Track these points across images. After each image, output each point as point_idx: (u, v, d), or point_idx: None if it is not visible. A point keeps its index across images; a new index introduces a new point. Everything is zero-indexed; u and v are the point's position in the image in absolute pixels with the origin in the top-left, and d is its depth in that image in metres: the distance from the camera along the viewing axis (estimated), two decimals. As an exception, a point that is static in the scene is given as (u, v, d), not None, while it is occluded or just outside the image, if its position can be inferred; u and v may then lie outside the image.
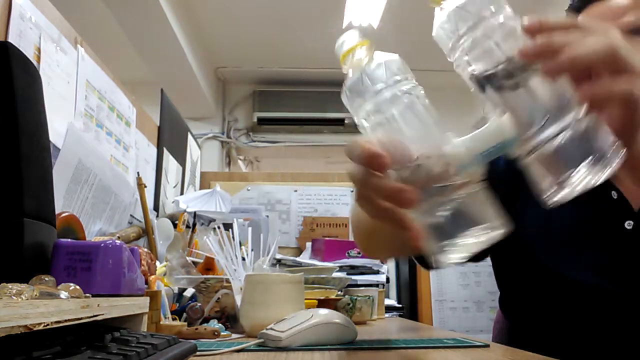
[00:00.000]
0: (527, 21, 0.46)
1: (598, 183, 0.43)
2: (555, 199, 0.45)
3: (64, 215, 0.75)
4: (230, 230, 1.07)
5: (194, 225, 1.41)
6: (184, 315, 0.88)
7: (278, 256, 1.61)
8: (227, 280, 0.98)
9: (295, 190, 2.39)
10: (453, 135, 0.48)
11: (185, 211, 1.46)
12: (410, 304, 2.50)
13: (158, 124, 1.69)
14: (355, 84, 0.50)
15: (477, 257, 0.90)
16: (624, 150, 0.44)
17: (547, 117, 0.44)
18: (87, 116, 1.13)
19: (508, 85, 0.45)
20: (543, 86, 0.45)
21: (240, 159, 4.13)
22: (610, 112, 0.45)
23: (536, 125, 0.44)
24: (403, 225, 0.47)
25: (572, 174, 0.43)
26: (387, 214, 0.47)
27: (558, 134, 0.43)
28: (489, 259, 0.95)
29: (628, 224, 0.74)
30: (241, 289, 0.88)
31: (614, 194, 0.77)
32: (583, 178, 0.43)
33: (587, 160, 0.43)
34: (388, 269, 1.98)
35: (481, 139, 0.47)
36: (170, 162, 1.79)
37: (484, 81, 0.47)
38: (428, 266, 0.88)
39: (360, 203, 0.49)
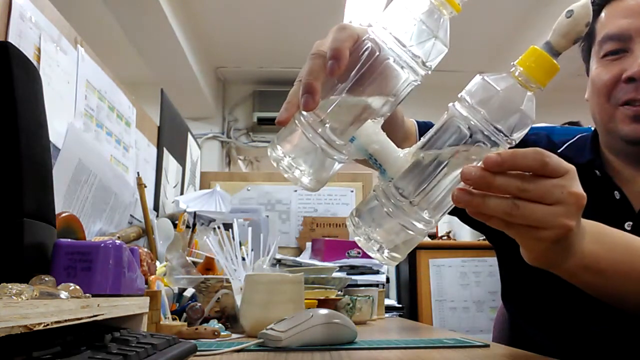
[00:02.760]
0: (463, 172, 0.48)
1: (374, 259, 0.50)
2: (353, 230, 0.51)
3: (64, 215, 0.75)
4: (230, 230, 1.07)
5: (194, 225, 1.40)
6: (184, 315, 0.88)
7: (278, 256, 1.61)
8: (227, 280, 0.98)
9: (295, 190, 2.39)
10: (374, 125, 0.51)
11: (185, 211, 1.46)
12: (410, 304, 2.50)
13: (158, 124, 1.69)
14: None
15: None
16: (394, 263, 0.51)
17: (413, 200, 0.48)
18: (87, 116, 1.13)
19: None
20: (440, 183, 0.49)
21: (240, 159, 4.13)
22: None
23: (398, 191, 0.49)
24: (290, 101, 0.49)
25: (371, 233, 0.50)
26: (296, 89, 0.49)
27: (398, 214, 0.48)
28: (492, 259, 0.95)
29: (628, 225, 0.74)
30: (241, 289, 0.88)
31: (617, 194, 0.77)
32: (372, 245, 0.50)
33: (379, 239, 0.50)
34: (388, 269, 1.98)
35: (381, 145, 0.51)
36: (170, 162, 1.79)
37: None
38: None
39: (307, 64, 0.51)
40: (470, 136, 0.47)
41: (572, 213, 0.48)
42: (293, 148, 0.50)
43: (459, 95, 0.49)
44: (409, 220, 0.48)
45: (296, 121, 0.49)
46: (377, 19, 0.50)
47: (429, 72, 0.50)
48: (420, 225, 0.49)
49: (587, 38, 0.84)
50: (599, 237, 0.57)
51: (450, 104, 0.49)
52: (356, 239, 0.51)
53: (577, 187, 0.49)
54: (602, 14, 0.80)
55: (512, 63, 0.49)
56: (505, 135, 0.47)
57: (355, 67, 0.49)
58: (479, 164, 0.47)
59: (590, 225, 0.56)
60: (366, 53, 0.49)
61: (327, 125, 0.48)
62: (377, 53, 0.48)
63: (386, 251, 0.49)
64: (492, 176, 0.46)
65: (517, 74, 0.48)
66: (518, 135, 0.48)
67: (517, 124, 0.47)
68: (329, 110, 0.48)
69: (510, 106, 0.47)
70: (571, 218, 0.48)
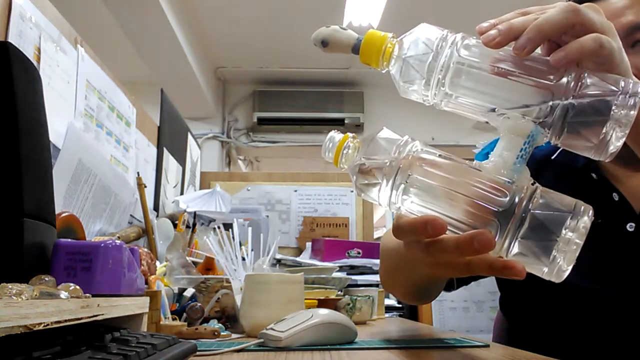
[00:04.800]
0: (480, 26, 0.46)
1: (635, 116, 0.42)
2: (608, 156, 0.44)
3: (64, 215, 0.75)
4: (230, 230, 1.07)
5: (194, 225, 1.41)
6: (184, 315, 0.88)
7: (278, 256, 1.61)
8: (227, 280, 0.98)
9: (295, 190, 2.39)
10: (477, 162, 0.47)
11: (185, 211, 1.46)
12: (410, 304, 2.50)
13: (158, 124, 1.69)
14: (365, 175, 0.48)
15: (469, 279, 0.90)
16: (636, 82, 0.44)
17: (552, 95, 0.44)
18: (87, 116, 1.13)
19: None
20: (533, 74, 0.45)
21: (240, 159, 4.13)
22: (590, 67, 0.46)
23: (547, 108, 0.44)
24: (496, 267, 0.44)
25: (607, 128, 0.43)
26: (472, 267, 0.45)
27: (572, 103, 0.43)
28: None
29: (630, 226, 0.74)
30: (241, 289, 0.88)
31: (615, 196, 0.76)
32: (618, 125, 0.43)
33: (612, 109, 0.42)
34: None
35: (507, 147, 0.46)
36: (170, 162, 1.79)
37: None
38: (449, 288, 0.89)
39: (436, 271, 0.48)
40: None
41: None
42: (545, 246, 0.44)
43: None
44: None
45: (501, 250, 0.45)
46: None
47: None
48: None
49: None
50: None
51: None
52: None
53: None
54: None
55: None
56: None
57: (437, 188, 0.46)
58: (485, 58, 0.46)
59: None
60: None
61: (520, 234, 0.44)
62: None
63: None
64: (511, 20, 0.46)
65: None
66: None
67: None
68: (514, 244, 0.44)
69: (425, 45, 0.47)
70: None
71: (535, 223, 0.43)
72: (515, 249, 0.44)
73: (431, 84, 0.47)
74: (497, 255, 0.45)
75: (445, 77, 0.46)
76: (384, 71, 0.50)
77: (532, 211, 0.43)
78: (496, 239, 0.43)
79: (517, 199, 0.43)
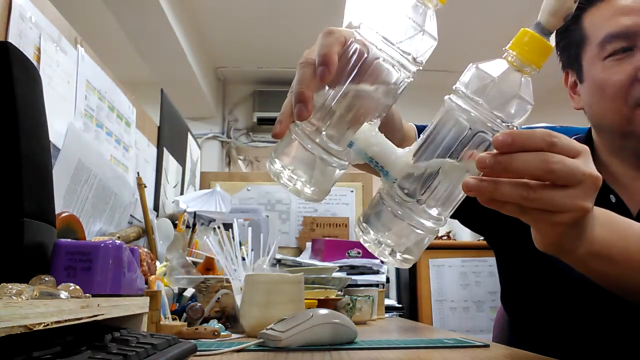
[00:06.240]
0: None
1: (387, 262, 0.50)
2: (361, 237, 0.50)
3: (64, 215, 0.75)
4: (230, 230, 1.07)
5: (194, 225, 1.40)
6: (184, 315, 0.88)
7: (278, 256, 1.61)
8: (227, 280, 0.98)
9: (296, 190, 2.39)
10: (371, 127, 0.50)
11: (185, 211, 1.46)
12: (410, 304, 2.50)
13: (158, 124, 1.69)
14: None
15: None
16: (408, 265, 0.50)
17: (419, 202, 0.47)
18: (87, 116, 1.13)
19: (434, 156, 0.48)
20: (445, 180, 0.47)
21: (240, 159, 4.13)
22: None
23: (407, 192, 0.48)
24: (284, 112, 0.49)
25: (381, 238, 0.48)
26: (289, 100, 0.49)
27: (410, 219, 0.47)
28: (492, 259, 0.95)
29: None
30: (241, 289, 0.88)
31: (612, 198, 0.76)
32: (384, 250, 0.49)
33: (389, 243, 0.48)
34: (388, 269, 1.99)
35: (381, 147, 0.49)
36: (170, 162, 1.79)
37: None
38: None
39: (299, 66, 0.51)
40: (470, 128, 0.46)
41: (589, 195, 0.46)
42: (292, 160, 0.49)
43: (454, 87, 0.47)
44: (418, 220, 0.47)
45: (292, 133, 0.49)
46: (363, 18, 0.49)
47: (420, 68, 0.49)
48: (430, 224, 0.47)
49: (575, 45, 0.81)
50: (609, 223, 0.55)
51: (446, 97, 0.48)
52: (366, 245, 0.49)
53: (593, 168, 0.46)
54: (591, 17, 0.78)
55: (504, 48, 0.48)
56: (506, 123, 0.46)
57: (346, 70, 0.48)
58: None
59: (600, 212, 0.53)
60: (355, 55, 0.48)
61: (324, 132, 0.48)
62: (366, 54, 0.47)
63: (398, 254, 0.48)
64: (509, 159, 0.44)
65: (511, 58, 0.47)
66: (519, 121, 0.46)
67: (517, 110, 0.46)
68: (324, 118, 0.48)
69: (508, 92, 0.46)
70: (588, 200, 0.46)
71: (310, 157, 0.49)
72: (294, 137, 0.49)
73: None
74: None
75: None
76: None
77: (319, 153, 0.48)
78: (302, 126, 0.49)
79: (331, 145, 0.48)
